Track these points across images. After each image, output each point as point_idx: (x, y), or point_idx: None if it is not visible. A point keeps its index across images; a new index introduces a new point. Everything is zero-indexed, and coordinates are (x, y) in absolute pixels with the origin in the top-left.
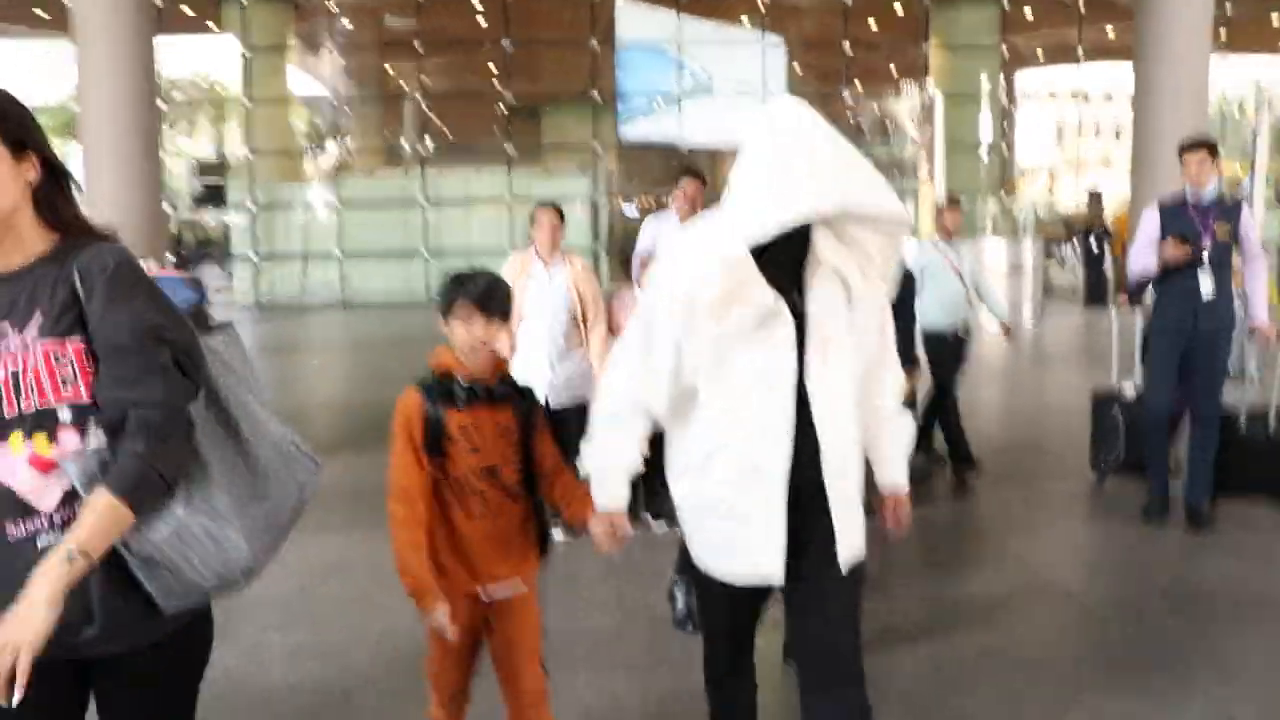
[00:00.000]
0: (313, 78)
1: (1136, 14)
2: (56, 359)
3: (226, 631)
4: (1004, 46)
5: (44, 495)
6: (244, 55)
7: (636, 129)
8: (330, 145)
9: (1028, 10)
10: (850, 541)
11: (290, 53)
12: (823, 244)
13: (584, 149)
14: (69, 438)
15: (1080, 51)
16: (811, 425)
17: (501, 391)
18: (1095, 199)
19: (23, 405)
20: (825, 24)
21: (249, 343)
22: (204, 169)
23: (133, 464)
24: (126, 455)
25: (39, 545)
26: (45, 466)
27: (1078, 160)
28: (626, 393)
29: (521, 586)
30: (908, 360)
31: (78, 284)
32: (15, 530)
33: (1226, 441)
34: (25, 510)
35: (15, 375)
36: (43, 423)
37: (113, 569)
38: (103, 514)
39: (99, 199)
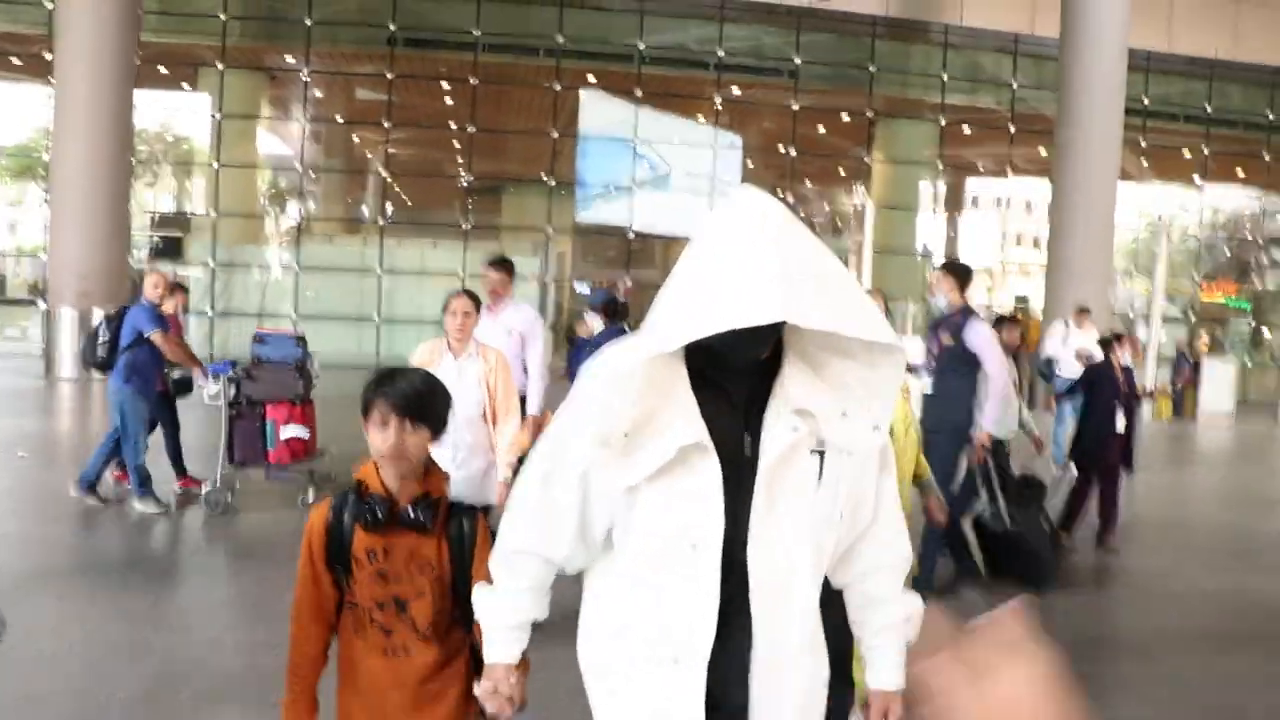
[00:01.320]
0: (281, 142)
1: (1055, 133)
2: None
3: (189, 627)
4: (940, 160)
5: None
6: (215, 118)
7: (592, 213)
8: (293, 209)
9: (965, 128)
10: None
11: (261, 118)
12: (791, 377)
13: (540, 230)
14: None
15: (1010, 168)
16: (748, 604)
17: (413, 516)
18: (1013, 319)
19: None
20: (777, 126)
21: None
22: (162, 222)
23: None
24: None
25: None
26: None
27: (1019, 265)
28: (522, 535)
29: None
30: None
31: None
32: None
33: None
34: None
35: None
36: None
37: None
38: None
39: (65, 246)
